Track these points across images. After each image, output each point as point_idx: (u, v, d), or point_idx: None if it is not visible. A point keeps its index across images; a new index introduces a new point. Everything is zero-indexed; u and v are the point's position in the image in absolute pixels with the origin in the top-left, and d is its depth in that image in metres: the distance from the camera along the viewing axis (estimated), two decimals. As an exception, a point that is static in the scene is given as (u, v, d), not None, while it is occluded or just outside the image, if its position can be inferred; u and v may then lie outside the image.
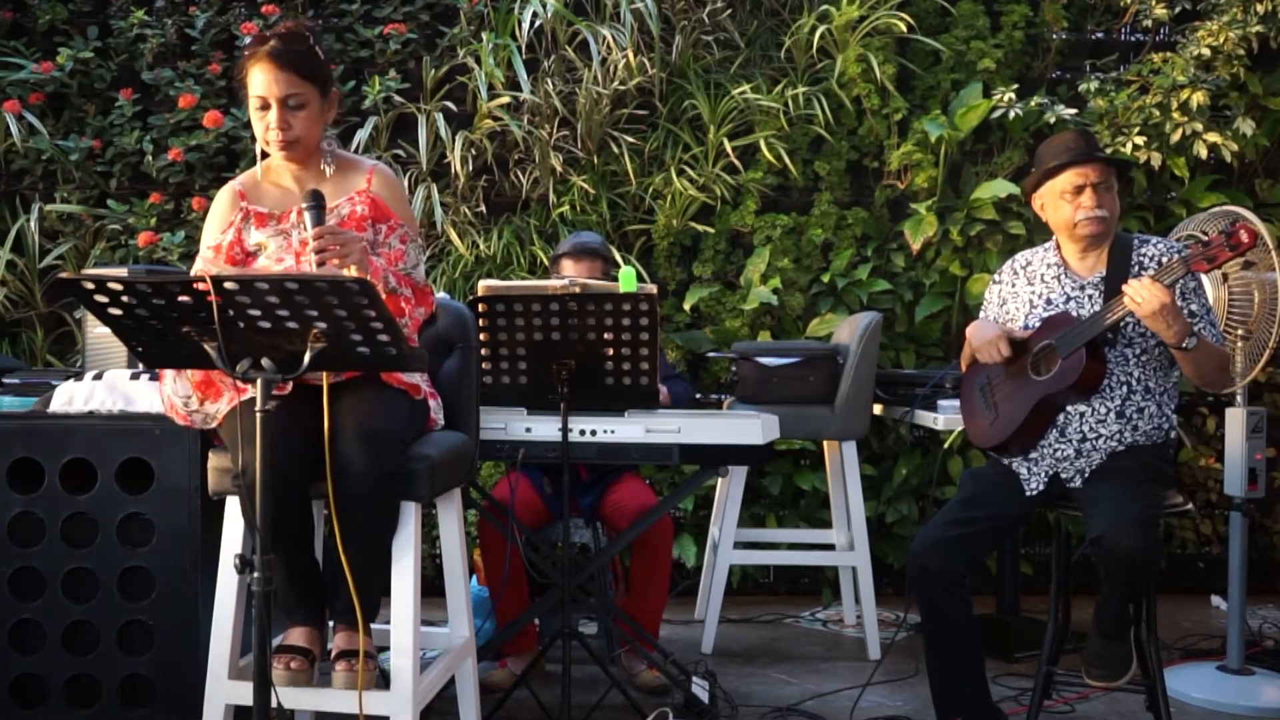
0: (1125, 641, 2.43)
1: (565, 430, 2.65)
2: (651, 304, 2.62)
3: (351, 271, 2.10)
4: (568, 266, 3.33)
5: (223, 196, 2.38)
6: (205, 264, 2.30)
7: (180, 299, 1.76)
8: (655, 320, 2.64)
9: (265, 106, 2.26)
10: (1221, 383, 2.66)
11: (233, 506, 2.22)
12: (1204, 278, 2.81)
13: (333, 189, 2.33)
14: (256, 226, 2.33)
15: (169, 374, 2.24)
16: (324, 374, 2.05)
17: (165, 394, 2.25)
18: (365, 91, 4.18)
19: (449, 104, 4.20)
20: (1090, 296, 2.60)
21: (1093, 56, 4.49)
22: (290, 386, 2.16)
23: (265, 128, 2.28)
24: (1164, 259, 2.57)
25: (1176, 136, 4.01)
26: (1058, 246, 2.71)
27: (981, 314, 2.85)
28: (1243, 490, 3.15)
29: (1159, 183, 4.26)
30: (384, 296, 2.13)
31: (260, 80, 2.25)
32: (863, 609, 3.60)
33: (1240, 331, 3.07)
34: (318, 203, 2.13)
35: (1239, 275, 3.06)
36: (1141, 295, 2.37)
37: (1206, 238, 2.55)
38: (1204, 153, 4.01)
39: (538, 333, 2.65)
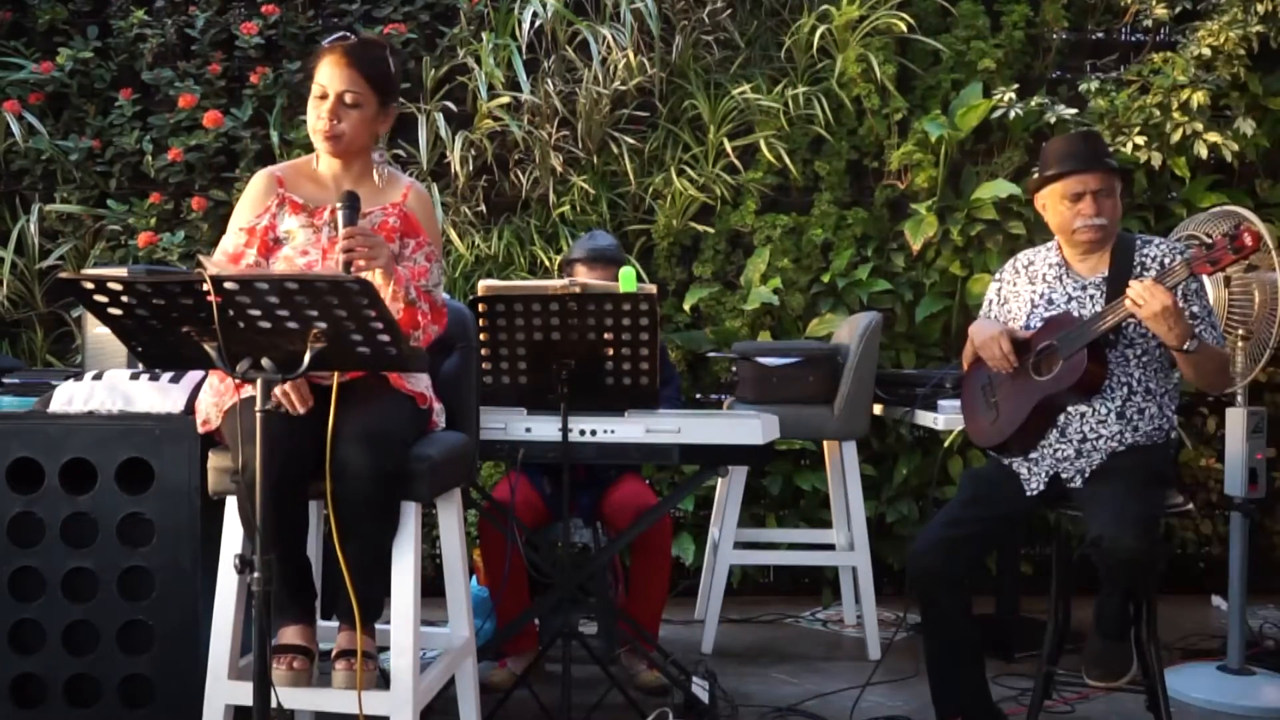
0: (1125, 642, 2.43)
1: (565, 430, 2.65)
2: (651, 304, 2.61)
3: (375, 275, 2.12)
4: (582, 273, 3.29)
5: (260, 179, 2.40)
6: (236, 247, 2.32)
7: (180, 299, 1.76)
8: (655, 320, 2.64)
9: (323, 97, 2.32)
10: (1221, 385, 2.66)
11: (233, 506, 2.22)
12: (1205, 279, 2.81)
13: (370, 197, 2.35)
14: (290, 213, 2.35)
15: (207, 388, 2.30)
16: (334, 375, 2.06)
17: (200, 407, 2.30)
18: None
19: (449, 104, 4.20)
20: (1092, 297, 2.60)
21: (1093, 56, 4.49)
22: (311, 400, 2.17)
23: (316, 117, 2.32)
24: (1167, 260, 2.56)
25: (1177, 136, 4.01)
26: (1059, 246, 2.71)
27: (982, 312, 2.85)
28: (1243, 490, 3.15)
29: (1159, 183, 4.26)
30: (402, 307, 2.17)
31: (326, 71, 2.32)
32: (863, 609, 3.60)
33: (1240, 331, 3.07)
34: (353, 204, 2.16)
35: (1239, 275, 3.06)
36: (1144, 298, 2.37)
37: (1210, 240, 2.55)
38: (1204, 153, 4.01)
39: (538, 333, 2.65)
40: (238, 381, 2.14)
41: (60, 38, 4.36)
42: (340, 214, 2.15)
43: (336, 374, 2.07)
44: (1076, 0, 4.43)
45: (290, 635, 2.19)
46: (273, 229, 2.33)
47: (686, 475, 3.72)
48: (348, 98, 2.31)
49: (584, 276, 3.24)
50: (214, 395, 2.25)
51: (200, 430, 2.29)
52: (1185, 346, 2.40)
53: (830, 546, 3.82)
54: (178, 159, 4.17)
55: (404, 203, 2.39)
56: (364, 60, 2.32)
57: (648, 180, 4.22)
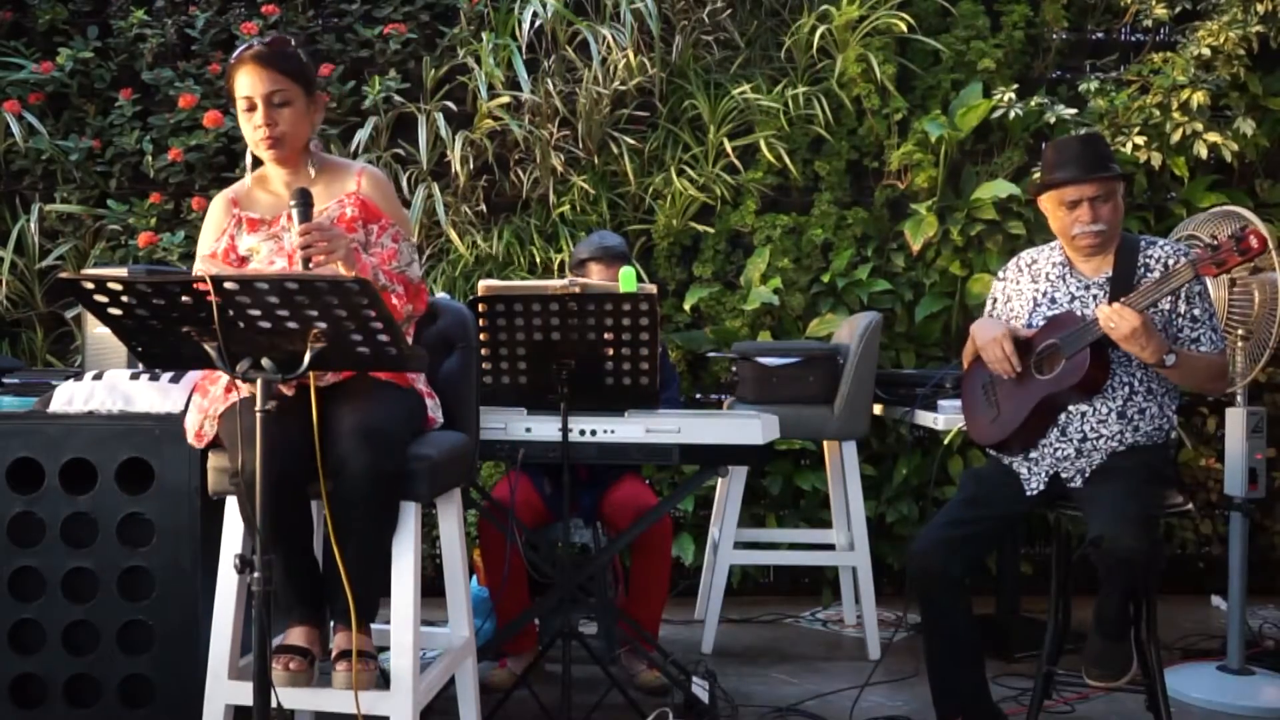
0: (1125, 642, 2.43)
1: (565, 430, 2.65)
2: (651, 304, 2.61)
3: (339, 267, 2.12)
4: (596, 271, 3.29)
5: (216, 205, 2.41)
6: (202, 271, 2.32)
7: (180, 299, 1.76)
8: (655, 320, 2.64)
9: (252, 108, 2.30)
10: (1215, 389, 2.66)
11: (233, 506, 2.22)
12: (1208, 280, 2.81)
13: (323, 192, 2.35)
14: (248, 231, 2.35)
15: (192, 407, 2.29)
16: (312, 374, 2.05)
17: (188, 425, 2.29)
18: (365, 91, 4.18)
19: (449, 104, 4.20)
20: (1095, 297, 2.60)
21: (1093, 56, 4.49)
22: (293, 388, 2.17)
23: (253, 129, 2.31)
24: (1171, 261, 2.56)
25: (1177, 136, 4.01)
26: (1063, 246, 2.71)
27: (985, 311, 2.85)
28: (1243, 490, 3.15)
29: (1159, 183, 4.26)
30: None
31: (245, 81, 2.29)
32: (863, 609, 3.60)
33: (1240, 331, 3.07)
34: (305, 200, 2.14)
35: (1241, 276, 3.06)
36: (1114, 320, 2.41)
37: (1215, 241, 2.54)
38: (1204, 153, 4.01)
39: (538, 333, 2.65)
40: (227, 388, 2.17)
41: (60, 38, 4.36)
42: (294, 212, 2.13)
43: (313, 375, 2.06)
44: (1076, 0, 4.43)
45: (295, 636, 2.20)
46: (233, 250, 2.34)
47: (686, 475, 3.72)
48: (276, 98, 2.29)
49: (597, 275, 3.25)
50: (199, 413, 2.25)
51: (195, 444, 2.28)
52: (1164, 361, 2.42)
53: (830, 546, 3.82)
54: (178, 159, 4.17)
55: (359, 190, 2.38)
56: (277, 58, 2.29)
57: (648, 180, 4.22)
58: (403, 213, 2.46)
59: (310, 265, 2.10)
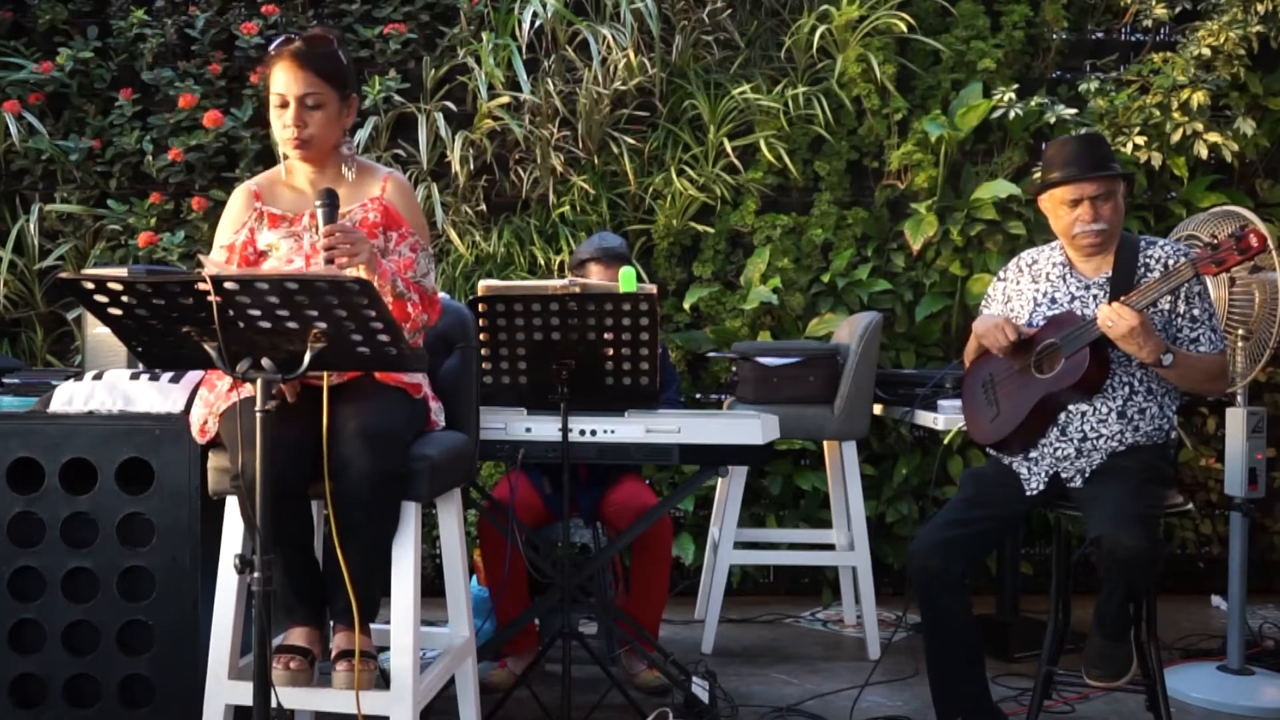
0: (1125, 641, 2.43)
1: (565, 430, 2.65)
2: (651, 304, 2.62)
3: (359, 271, 2.11)
4: (596, 271, 3.30)
5: (238, 196, 2.39)
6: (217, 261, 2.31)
7: (180, 299, 1.76)
8: (655, 320, 2.64)
9: (284, 105, 2.29)
10: (1213, 390, 2.65)
11: (233, 506, 2.22)
12: (1208, 279, 2.81)
13: (347, 194, 2.34)
14: (269, 227, 2.34)
15: (198, 401, 2.30)
16: (324, 374, 2.06)
17: (193, 419, 2.30)
18: (365, 91, 4.18)
19: (449, 104, 4.20)
20: (1095, 297, 2.60)
21: (1093, 56, 4.49)
22: (296, 392, 2.17)
23: (282, 126, 2.30)
24: (1171, 261, 2.56)
25: (1177, 136, 4.01)
26: (1063, 246, 2.71)
27: (983, 310, 2.85)
28: (1243, 490, 3.15)
29: (1159, 183, 4.26)
30: (391, 300, 2.15)
31: (281, 78, 2.28)
32: (863, 609, 3.60)
33: (1240, 331, 3.07)
34: (331, 201, 2.14)
35: (1241, 275, 3.06)
36: (1112, 319, 2.41)
37: (1215, 241, 2.54)
38: (1204, 153, 4.01)
39: (538, 333, 2.65)
40: (229, 387, 2.17)
41: (60, 38, 4.36)
42: (320, 212, 2.13)
43: (326, 375, 2.06)
44: (1076, 0, 4.44)
45: (296, 636, 2.20)
46: (252, 244, 2.33)
47: (686, 475, 3.72)
48: (309, 100, 2.27)
49: (597, 275, 3.26)
50: (205, 407, 2.25)
51: (199, 439, 2.28)
52: (1161, 361, 2.42)
53: (830, 546, 3.82)
54: (178, 159, 4.17)
55: (383, 195, 2.37)
56: (315, 59, 2.27)
57: (648, 180, 4.22)
58: (423, 222, 2.45)
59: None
